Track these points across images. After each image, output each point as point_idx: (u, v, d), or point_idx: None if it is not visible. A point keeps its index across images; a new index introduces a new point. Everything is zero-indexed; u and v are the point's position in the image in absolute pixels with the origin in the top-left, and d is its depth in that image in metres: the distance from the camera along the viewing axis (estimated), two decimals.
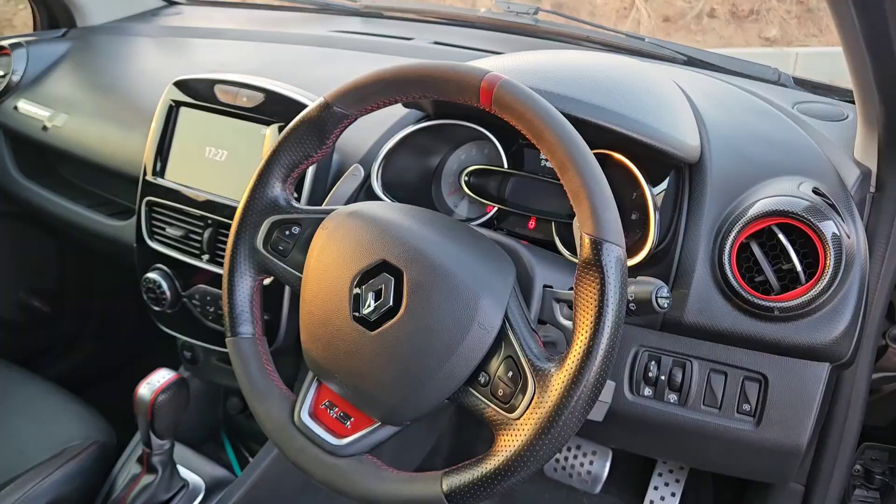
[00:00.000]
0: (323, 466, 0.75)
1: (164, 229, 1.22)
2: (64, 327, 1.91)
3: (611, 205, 0.66)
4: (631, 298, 0.71)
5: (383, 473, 0.72)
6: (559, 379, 0.64)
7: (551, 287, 0.77)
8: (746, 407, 0.89)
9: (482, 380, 0.70)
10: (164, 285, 1.21)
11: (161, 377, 1.04)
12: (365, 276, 0.74)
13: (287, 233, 0.84)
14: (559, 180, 0.68)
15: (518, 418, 0.66)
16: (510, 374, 0.68)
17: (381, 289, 0.72)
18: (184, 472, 1.15)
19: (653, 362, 0.93)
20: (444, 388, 0.70)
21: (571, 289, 0.70)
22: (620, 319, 0.64)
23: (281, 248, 0.84)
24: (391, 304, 0.71)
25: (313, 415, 0.78)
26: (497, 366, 0.69)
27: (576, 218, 0.72)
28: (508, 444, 0.66)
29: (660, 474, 1.43)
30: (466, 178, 1.03)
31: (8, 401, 1.27)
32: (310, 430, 0.77)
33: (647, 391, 0.93)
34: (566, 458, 1.44)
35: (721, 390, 0.90)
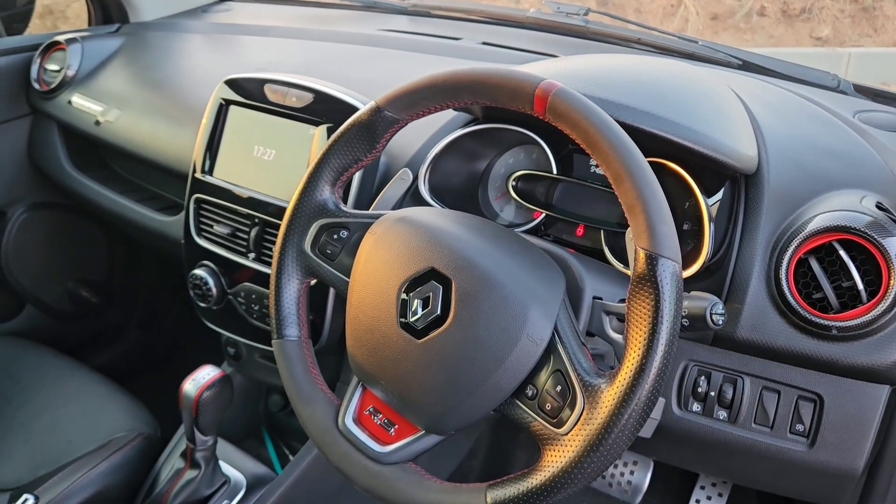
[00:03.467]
0: (366, 473, 0.75)
1: (211, 227, 1.23)
2: (110, 317, 1.95)
3: (668, 219, 0.64)
4: (684, 314, 0.69)
5: (427, 483, 0.72)
6: (610, 395, 0.63)
7: (601, 298, 0.75)
8: (800, 427, 0.87)
9: (529, 393, 0.69)
10: (211, 282, 1.22)
11: (206, 374, 1.05)
12: (413, 284, 0.73)
13: (335, 236, 0.83)
14: (610, 188, 0.66)
15: (566, 434, 0.65)
16: (558, 388, 0.67)
17: (429, 297, 0.71)
18: (225, 467, 1.16)
19: (702, 377, 0.90)
20: (490, 399, 0.69)
21: (622, 301, 0.69)
22: (675, 337, 0.62)
23: (328, 251, 0.83)
24: (439, 312, 0.70)
25: (357, 420, 0.78)
26: (545, 379, 0.68)
27: (629, 230, 0.70)
28: (555, 459, 0.65)
29: (702, 487, 1.40)
30: (514, 183, 1.02)
31: (57, 390, 1.30)
32: (353, 435, 0.77)
33: (696, 407, 0.91)
34: None
35: (773, 409, 0.88)
